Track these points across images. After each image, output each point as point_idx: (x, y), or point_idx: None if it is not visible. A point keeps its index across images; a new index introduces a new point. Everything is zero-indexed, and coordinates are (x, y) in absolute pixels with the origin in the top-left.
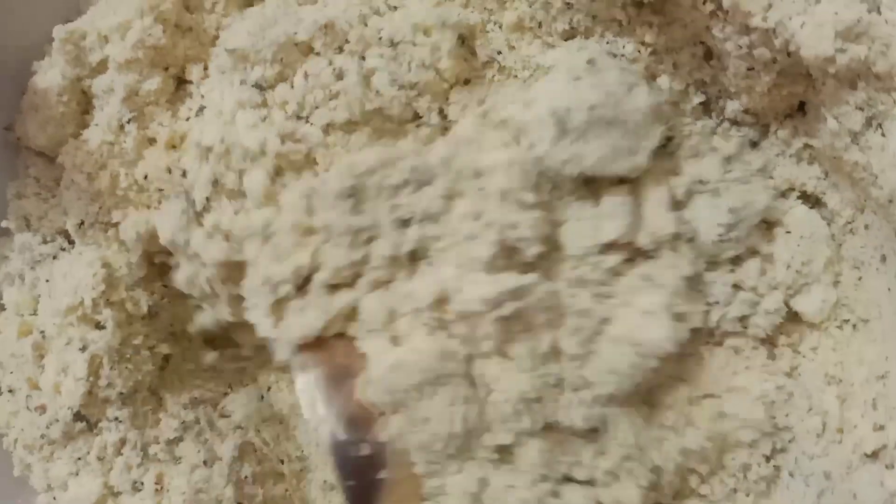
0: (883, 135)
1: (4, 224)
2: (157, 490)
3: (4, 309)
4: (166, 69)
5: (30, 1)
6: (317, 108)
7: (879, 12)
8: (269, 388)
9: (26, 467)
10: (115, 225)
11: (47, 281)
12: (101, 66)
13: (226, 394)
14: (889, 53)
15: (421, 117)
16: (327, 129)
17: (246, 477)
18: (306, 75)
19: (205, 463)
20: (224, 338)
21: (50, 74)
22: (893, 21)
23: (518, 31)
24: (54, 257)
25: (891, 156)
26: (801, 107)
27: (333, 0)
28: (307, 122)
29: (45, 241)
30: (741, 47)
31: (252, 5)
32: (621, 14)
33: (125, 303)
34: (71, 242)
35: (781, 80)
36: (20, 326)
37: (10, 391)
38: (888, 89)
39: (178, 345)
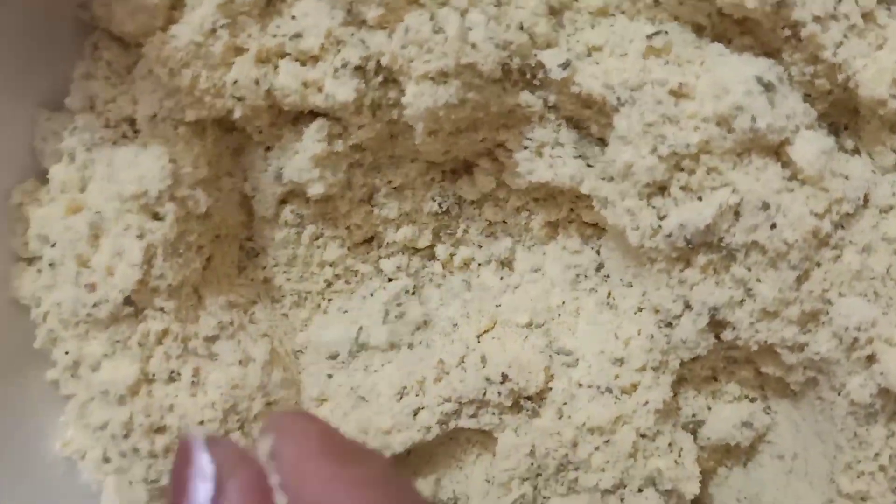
0: None
1: (68, 102)
2: (193, 382)
3: (46, 183)
4: None
5: None
6: (411, 61)
7: None
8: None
9: (51, 341)
10: (186, 123)
11: (108, 166)
12: None
13: (254, 302)
14: None
15: (509, 76)
16: (421, 79)
17: (276, 381)
18: (407, 30)
19: (240, 362)
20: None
21: None
22: None
23: (601, 14)
24: (114, 143)
25: None
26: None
27: None
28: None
29: (107, 126)
30: (805, 74)
31: None
32: (705, 20)
33: (186, 200)
34: (136, 132)
35: (830, 111)
36: (69, 203)
37: (50, 265)
38: None
39: (220, 249)
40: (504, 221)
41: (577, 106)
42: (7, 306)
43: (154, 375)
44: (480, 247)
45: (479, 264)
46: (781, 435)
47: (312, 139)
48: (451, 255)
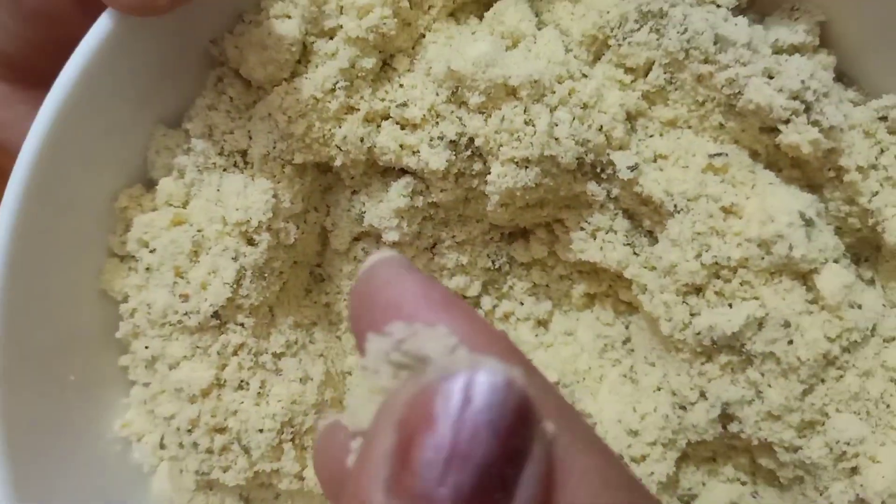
0: None
1: (188, 126)
2: (259, 393)
3: (152, 192)
4: (381, 52)
5: None
6: (501, 146)
7: None
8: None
9: (134, 334)
10: (293, 164)
11: (218, 190)
12: (331, 32)
13: (315, 323)
14: None
15: (582, 167)
16: (505, 162)
17: (327, 399)
18: (503, 118)
19: (300, 380)
20: (324, 276)
21: (288, 24)
22: None
23: (671, 125)
24: (225, 170)
25: None
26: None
27: (536, 52)
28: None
29: (221, 154)
30: (840, 211)
31: (454, 17)
32: (762, 149)
33: (280, 232)
34: (246, 164)
35: (855, 244)
36: (174, 215)
37: (147, 269)
38: None
39: (295, 273)
40: (547, 285)
41: (636, 202)
42: (94, 293)
43: (225, 382)
44: (522, 304)
45: (519, 319)
46: None
47: (398, 193)
48: (494, 307)
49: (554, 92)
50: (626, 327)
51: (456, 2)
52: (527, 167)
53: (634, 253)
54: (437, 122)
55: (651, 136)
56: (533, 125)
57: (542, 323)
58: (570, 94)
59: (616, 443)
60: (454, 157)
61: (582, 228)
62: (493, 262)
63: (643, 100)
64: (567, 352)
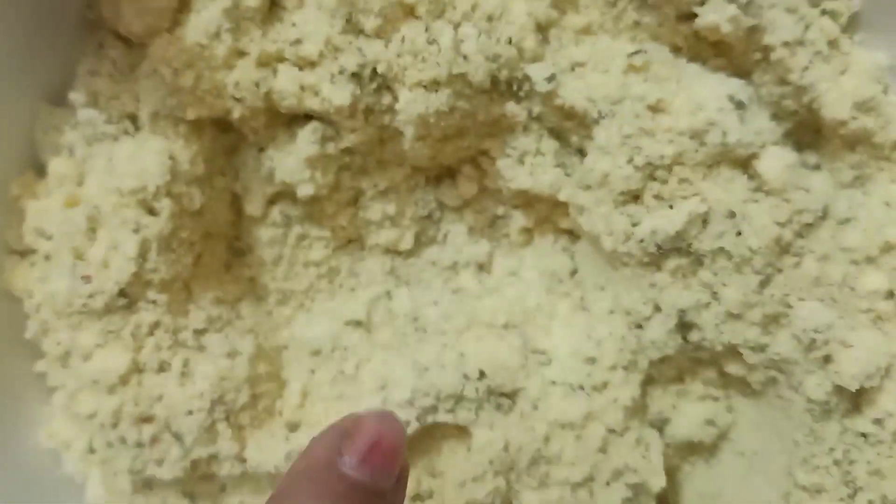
0: (864, 193)
1: (71, 96)
2: (183, 373)
3: (44, 176)
4: None
5: None
6: (406, 70)
7: (886, 93)
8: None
9: (43, 331)
10: (186, 121)
11: (109, 160)
12: None
13: (240, 299)
14: (888, 128)
15: (497, 86)
16: (414, 87)
17: (261, 374)
18: (403, 39)
19: (227, 355)
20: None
21: None
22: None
23: (585, 32)
24: (116, 139)
25: (867, 211)
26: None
27: None
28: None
29: (109, 122)
30: (773, 95)
31: None
32: (682, 42)
33: (182, 197)
34: (137, 128)
35: (795, 129)
36: (67, 197)
37: (46, 257)
38: (878, 157)
39: (210, 246)
40: (483, 227)
41: (559, 117)
42: None
43: (144, 365)
44: (460, 250)
45: (459, 267)
46: (742, 433)
47: (306, 141)
48: (432, 259)
49: (455, 7)
50: (571, 258)
51: None
52: (436, 90)
53: (566, 174)
54: (336, 56)
55: (566, 45)
56: (437, 44)
57: (484, 267)
58: (473, 8)
59: (574, 374)
60: (359, 91)
61: (508, 155)
62: (422, 208)
63: (553, 8)
64: (513, 293)
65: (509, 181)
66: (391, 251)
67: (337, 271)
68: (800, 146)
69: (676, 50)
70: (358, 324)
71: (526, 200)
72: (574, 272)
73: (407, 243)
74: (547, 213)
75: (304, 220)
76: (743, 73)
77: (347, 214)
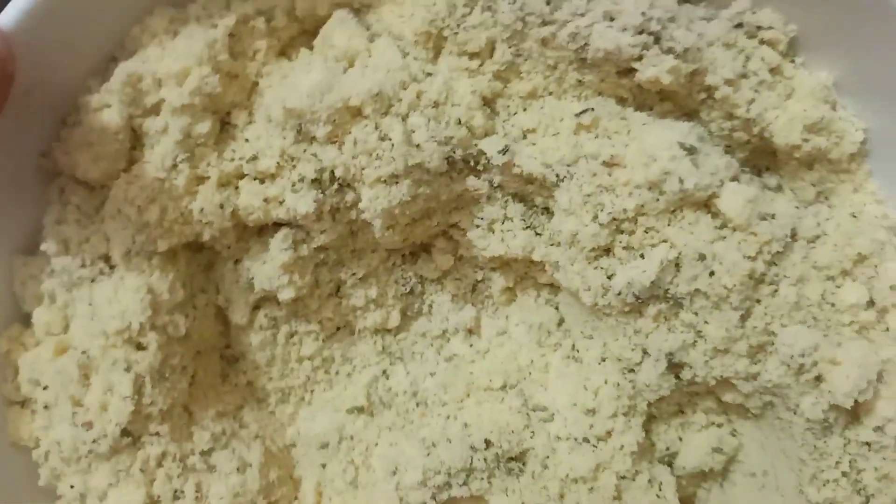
0: (829, 207)
1: (44, 247)
2: (197, 497)
3: (30, 327)
4: (214, 113)
5: (72, 37)
6: (363, 169)
7: (835, 109)
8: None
9: (55, 477)
10: (159, 253)
11: (90, 304)
12: (155, 108)
13: (241, 406)
14: (841, 144)
15: (455, 166)
16: (374, 184)
17: (273, 480)
18: (356, 142)
19: (238, 469)
20: (236, 355)
21: (107, 114)
22: (846, 118)
23: (531, 97)
24: (93, 281)
25: (835, 225)
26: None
27: (373, 65)
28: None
29: (83, 265)
30: (723, 129)
31: (285, 55)
32: (627, 93)
33: (167, 326)
34: (111, 268)
35: (751, 157)
36: (56, 345)
37: (45, 407)
38: (837, 171)
39: (202, 363)
40: (466, 293)
41: (520, 183)
42: (6, 449)
43: (159, 497)
44: (447, 319)
45: (449, 335)
46: (749, 454)
47: (279, 248)
48: (421, 332)
49: (401, 99)
50: (556, 308)
51: (281, 39)
52: (396, 182)
53: (537, 233)
54: (294, 166)
55: (514, 113)
56: (389, 139)
57: (473, 331)
58: (418, 97)
59: (577, 427)
60: (321, 196)
61: (477, 226)
62: (403, 286)
63: (496, 80)
64: (505, 352)
65: (482, 249)
66: (380, 331)
67: (331, 360)
68: (758, 170)
69: (622, 101)
70: (360, 410)
71: (502, 263)
72: (561, 322)
73: (394, 321)
74: (525, 271)
75: (291, 319)
76: (691, 112)
77: (331, 305)
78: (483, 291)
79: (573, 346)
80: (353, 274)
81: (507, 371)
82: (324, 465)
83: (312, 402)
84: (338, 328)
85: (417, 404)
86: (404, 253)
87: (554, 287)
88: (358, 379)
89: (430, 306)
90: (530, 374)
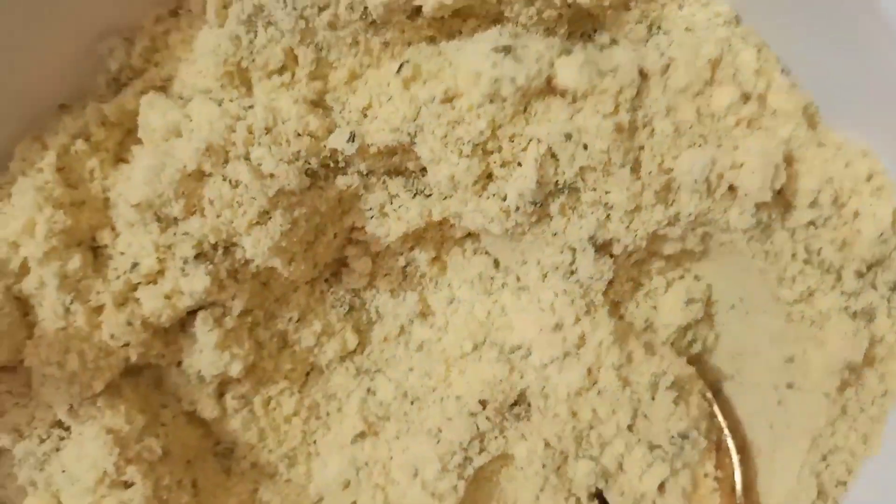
0: (665, 33)
1: (0, 444)
2: None
3: None
4: (79, 245)
5: None
6: (232, 221)
7: None
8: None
9: None
10: (101, 394)
11: (64, 472)
12: (24, 268)
13: (255, 490)
14: None
15: (316, 175)
16: (249, 229)
17: None
18: (211, 202)
19: None
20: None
21: None
22: None
23: (353, 79)
24: (57, 450)
25: (677, 46)
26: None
27: (196, 125)
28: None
29: (42, 441)
30: (531, 16)
31: (122, 159)
32: (431, 31)
33: (142, 454)
34: (66, 429)
35: (573, 27)
36: None
37: None
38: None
39: (198, 470)
40: (400, 282)
41: (384, 160)
42: None
43: None
44: (397, 315)
45: (407, 328)
46: (720, 290)
47: (204, 332)
48: (382, 338)
49: (234, 143)
50: (486, 253)
51: (110, 150)
52: (269, 218)
53: (426, 196)
54: (172, 252)
55: (345, 101)
56: (241, 182)
57: (425, 313)
58: (250, 132)
59: (553, 348)
60: (212, 266)
61: (371, 217)
62: (341, 307)
63: (313, 81)
64: (462, 316)
65: (387, 236)
66: (345, 356)
67: (315, 406)
68: (589, 35)
69: (432, 40)
70: (363, 435)
71: (414, 238)
72: (496, 263)
73: (352, 342)
74: (439, 235)
75: (258, 388)
76: (497, 17)
77: (287, 357)
78: (414, 273)
79: (517, 278)
80: (290, 319)
81: (471, 332)
82: (355, 503)
83: (320, 452)
84: (307, 373)
85: (412, 402)
86: (325, 277)
87: (472, 235)
88: (348, 409)
89: (377, 311)
90: (492, 323)
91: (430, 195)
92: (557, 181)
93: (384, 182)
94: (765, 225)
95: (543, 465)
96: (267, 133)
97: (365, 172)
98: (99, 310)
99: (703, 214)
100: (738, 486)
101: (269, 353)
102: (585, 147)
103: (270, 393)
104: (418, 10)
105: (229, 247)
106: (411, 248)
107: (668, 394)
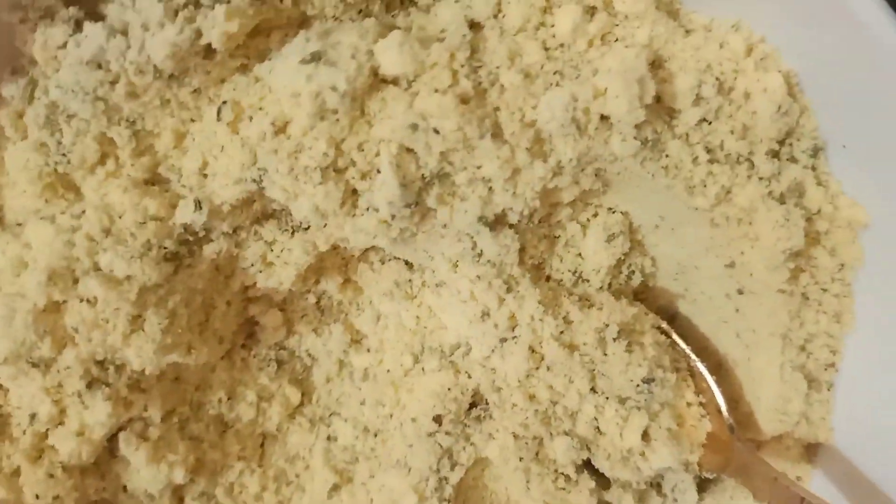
0: None
1: None
2: None
3: None
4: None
5: None
6: (105, 340)
7: None
8: None
9: None
10: None
11: None
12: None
13: None
14: None
15: (179, 258)
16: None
17: None
18: (75, 329)
19: None
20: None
21: None
22: None
23: (180, 140)
24: None
25: None
26: None
27: (36, 252)
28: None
29: None
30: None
31: None
32: (238, 61)
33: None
34: None
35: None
36: None
37: None
38: None
39: None
40: (319, 319)
41: (244, 211)
42: None
43: None
44: (329, 354)
45: (343, 365)
46: (637, 216)
47: (131, 453)
48: (324, 381)
49: (74, 268)
50: (392, 259)
51: None
52: (142, 324)
53: (304, 229)
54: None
55: (179, 168)
56: (102, 313)
57: (355, 339)
58: (89, 255)
59: (489, 337)
60: (109, 389)
61: (258, 272)
62: (269, 366)
63: (140, 157)
64: (392, 331)
65: (282, 284)
66: (294, 413)
67: (281, 473)
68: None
69: (243, 68)
70: (337, 487)
71: (312, 272)
72: (409, 265)
73: (295, 397)
74: (338, 258)
75: (214, 479)
76: (301, 20)
77: (232, 438)
78: (330, 305)
79: (433, 275)
80: (219, 401)
81: (407, 344)
82: None
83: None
84: (261, 444)
85: (375, 435)
86: (240, 343)
87: (371, 249)
88: (315, 464)
89: (308, 355)
90: (425, 328)
91: (307, 228)
92: (423, 174)
93: (256, 232)
94: (653, 141)
95: (521, 458)
96: (107, 235)
97: (231, 231)
98: (16, 472)
99: (584, 154)
100: (722, 405)
101: (211, 443)
102: (437, 131)
103: (230, 479)
104: (211, 47)
105: (118, 363)
106: (316, 282)
107: (617, 344)
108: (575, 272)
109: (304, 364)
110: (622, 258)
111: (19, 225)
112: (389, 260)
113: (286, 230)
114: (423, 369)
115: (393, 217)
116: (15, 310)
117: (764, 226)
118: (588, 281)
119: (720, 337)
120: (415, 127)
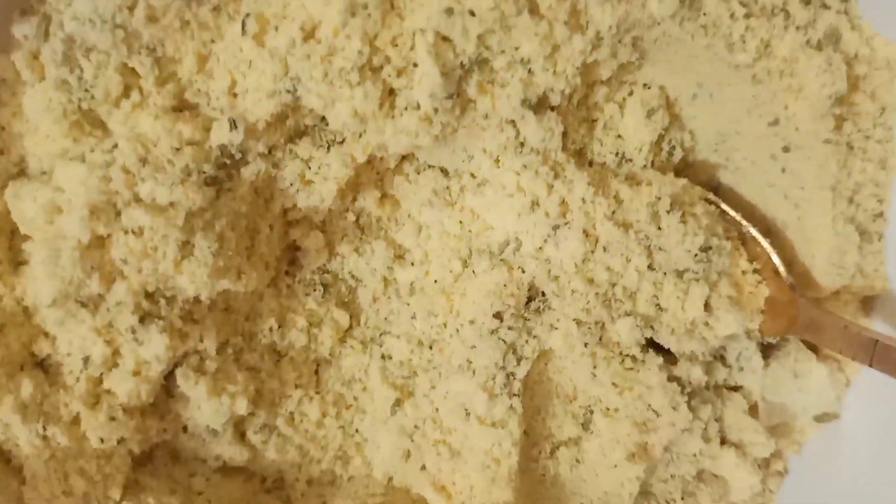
0: None
1: None
2: None
3: None
4: (22, 368)
5: None
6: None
7: None
8: None
9: None
10: (122, 499)
11: None
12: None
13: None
14: None
15: (219, 182)
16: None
17: None
18: (124, 261)
19: None
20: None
21: None
22: None
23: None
24: None
25: None
26: None
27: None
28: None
29: None
30: None
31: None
32: None
33: None
34: None
35: None
36: None
37: None
38: None
39: None
40: (361, 239)
41: (279, 128)
42: None
43: None
44: (375, 271)
45: (389, 280)
46: (676, 86)
47: (191, 388)
48: (371, 300)
49: (114, 203)
50: (429, 167)
51: None
52: (194, 248)
53: (338, 143)
54: (117, 328)
55: (217, 97)
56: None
57: (399, 255)
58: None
59: (541, 227)
60: (163, 322)
61: (297, 190)
62: (316, 290)
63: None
64: (436, 241)
65: (322, 203)
66: (344, 337)
67: (340, 397)
68: None
69: None
70: (399, 402)
71: (351, 188)
72: (444, 172)
73: (344, 320)
74: (373, 173)
75: (274, 410)
76: None
77: (287, 366)
78: (369, 222)
79: (472, 175)
80: (271, 329)
81: (453, 249)
82: (423, 467)
83: (367, 437)
84: (315, 371)
85: (430, 347)
86: (284, 270)
87: (406, 156)
88: (373, 384)
89: (352, 276)
90: (469, 231)
91: (343, 140)
92: (462, 62)
93: (291, 150)
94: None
95: (585, 344)
96: (144, 165)
97: (267, 151)
98: (76, 420)
99: (623, 21)
100: (781, 267)
101: (268, 373)
102: (472, 13)
103: (290, 408)
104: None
105: (169, 294)
106: (353, 200)
107: (671, 216)
108: (617, 153)
109: (348, 286)
110: (662, 133)
111: (44, 173)
112: (425, 170)
113: (321, 146)
114: (473, 272)
115: (435, 111)
116: (59, 249)
117: (807, 74)
118: (631, 160)
119: (767, 201)
120: (450, 11)
